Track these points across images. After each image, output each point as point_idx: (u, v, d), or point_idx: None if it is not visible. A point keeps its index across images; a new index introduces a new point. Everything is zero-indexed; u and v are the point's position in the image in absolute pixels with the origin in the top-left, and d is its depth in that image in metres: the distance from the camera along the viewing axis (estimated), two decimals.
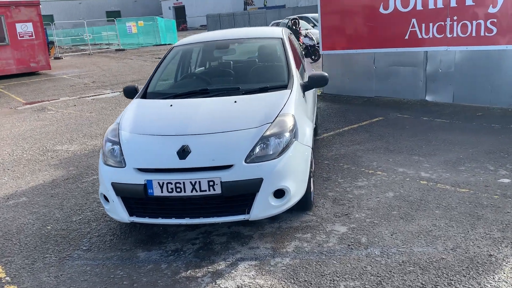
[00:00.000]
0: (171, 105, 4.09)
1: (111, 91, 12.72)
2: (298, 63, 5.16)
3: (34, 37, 18.86)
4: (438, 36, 7.96)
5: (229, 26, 46.51)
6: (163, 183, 3.35)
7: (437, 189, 4.36)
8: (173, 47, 5.16)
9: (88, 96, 12.11)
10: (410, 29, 8.30)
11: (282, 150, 3.49)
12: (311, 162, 3.99)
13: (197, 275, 3.20)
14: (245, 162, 3.36)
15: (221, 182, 3.30)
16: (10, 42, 18.34)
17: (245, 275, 3.15)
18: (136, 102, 4.36)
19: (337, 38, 9.50)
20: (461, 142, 5.78)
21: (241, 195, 3.37)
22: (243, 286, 3.03)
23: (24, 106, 11.57)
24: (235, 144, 3.45)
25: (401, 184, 4.55)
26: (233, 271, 3.21)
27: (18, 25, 18.53)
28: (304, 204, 3.94)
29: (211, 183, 3.31)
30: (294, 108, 3.90)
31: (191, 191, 3.33)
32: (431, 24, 8.04)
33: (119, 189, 3.49)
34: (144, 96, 4.45)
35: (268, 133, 3.54)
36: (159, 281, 3.17)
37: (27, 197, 5.04)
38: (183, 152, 3.40)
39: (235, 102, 3.99)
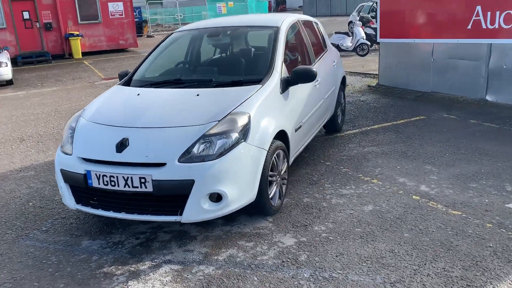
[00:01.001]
0: (138, 94, 4.02)
1: None
2: (303, 56, 4.81)
3: (123, 16, 19.96)
4: (505, 26, 6.96)
5: (325, 8, 45.30)
6: (99, 175, 3.31)
7: (425, 208, 3.81)
8: (172, 33, 5.07)
9: None
10: (473, 18, 7.36)
11: (224, 151, 3.24)
12: (278, 164, 3.77)
13: (116, 273, 3.14)
14: (178, 161, 3.19)
15: (152, 180, 3.18)
16: (102, 21, 19.61)
17: (159, 280, 3.02)
18: (113, 88, 4.36)
19: (395, 26, 8.74)
20: (494, 153, 5.01)
21: (172, 195, 3.21)
22: None
23: (101, 81, 12.35)
24: (171, 142, 3.29)
25: (389, 197, 4.06)
26: (150, 274, 3.10)
27: (110, 4, 19.73)
28: (261, 210, 3.67)
29: (143, 180, 3.20)
30: (257, 106, 3.61)
31: (124, 186, 3.25)
32: (497, 13, 7.04)
33: (65, 176, 3.53)
34: (128, 82, 4.43)
35: (211, 131, 3.32)
36: (79, 274, 3.16)
37: (35, 172, 5.34)
38: (121, 146, 3.33)
39: (197, 95, 3.80)
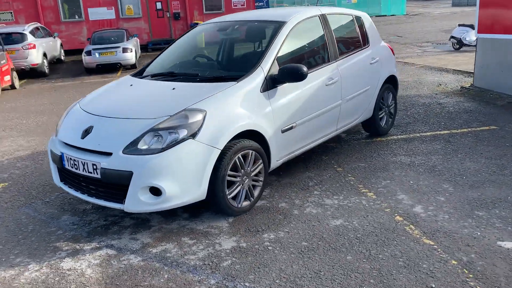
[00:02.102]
0: (131, 85, 4.24)
1: None
2: (318, 54, 4.56)
3: (245, 6, 20.67)
4: None
5: None
6: (68, 157, 3.62)
7: (397, 232, 3.38)
8: (192, 25, 5.20)
9: None
10: None
11: (167, 146, 3.29)
12: (244, 164, 3.69)
13: (63, 248, 3.43)
14: (122, 152, 3.33)
15: (100, 167, 3.37)
16: (225, 10, 20.59)
17: (88, 261, 3.22)
18: (122, 78, 4.64)
19: (498, 19, 7.60)
20: None
21: (116, 184, 3.38)
22: (70, 270, 3.12)
23: None
24: (122, 133, 3.44)
25: (368, 214, 3.68)
26: (86, 255, 3.31)
27: None
28: (218, 209, 3.65)
29: (94, 167, 3.42)
30: (219, 104, 3.56)
31: (82, 170, 3.51)
32: None
33: (52, 156, 3.93)
34: (139, 73, 4.69)
35: (160, 126, 3.38)
36: (36, 244, 3.52)
37: None
38: (86, 132, 3.58)
39: (173, 89, 3.88)
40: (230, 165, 3.56)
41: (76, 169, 3.55)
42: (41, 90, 11.61)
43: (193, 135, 3.35)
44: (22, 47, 14.62)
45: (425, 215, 3.60)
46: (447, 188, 4.08)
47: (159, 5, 19.92)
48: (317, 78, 4.39)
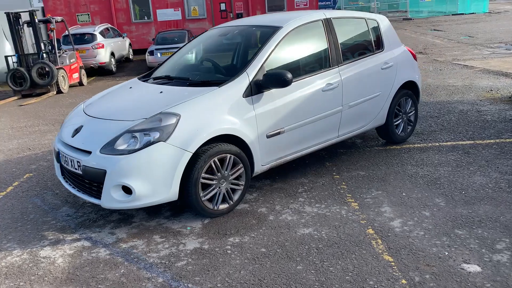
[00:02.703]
0: (130, 88, 4.49)
1: None
2: (317, 59, 4.55)
3: (308, 6, 20.58)
4: None
5: None
6: (62, 154, 3.95)
7: (361, 245, 3.30)
8: (208, 29, 5.35)
9: None
10: None
11: (140, 148, 3.48)
12: (221, 168, 3.78)
13: (48, 237, 3.75)
14: (99, 151, 3.56)
15: (81, 165, 3.65)
16: (287, 10, 20.61)
17: (63, 251, 3.49)
18: (129, 81, 4.91)
19: None
20: None
21: (94, 181, 3.62)
22: (45, 258, 3.40)
23: None
24: (103, 133, 3.67)
25: (342, 225, 3.62)
26: (65, 245, 3.59)
27: None
28: (194, 210, 3.79)
29: (78, 164, 3.70)
30: (195, 108, 3.69)
31: (71, 167, 3.81)
32: None
33: (54, 152, 4.28)
34: (147, 76, 4.94)
35: (135, 128, 3.57)
36: (29, 231, 3.87)
37: None
38: (76, 131, 3.88)
39: (160, 92, 4.07)
40: (205, 168, 3.66)
41: (67, 165, 3.85)
42: (105, 87, 12.43)
43: (165, 138, 3.49)
44: (91, 46, 15.73)
45: (399, 230, 3.45)
46: (438, 203, 3.87)
47: (223, 6, 20.39)
48: (311, 83, 4.35)
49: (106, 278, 3.07)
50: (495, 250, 3.09)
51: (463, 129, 5.97)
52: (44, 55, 12.76)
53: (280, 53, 4.27)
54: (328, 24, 4.67)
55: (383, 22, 5.35)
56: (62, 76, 12.74)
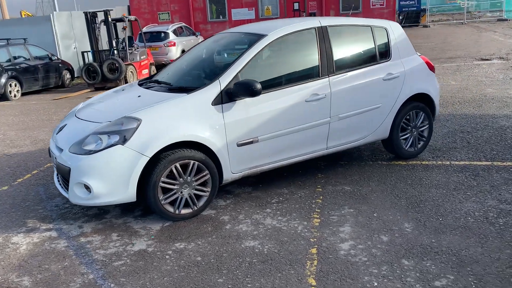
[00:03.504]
0: (123, 90, 4.75)
1: None
2: (304, 68, 4.46)
3: (384, 5, 19.84)
4: None
5: None
6: (49, 150, 4.32)
7: (294, 264, 3.22)
8: (216, 33, 5.46)
9: None
10: None
11: (102, 149, 3.70)
12: (183, 173, 3.88)
13: (27, 225, 4.11)
14: (68, 150, 3.85)
15: (56, 161, 3.98)
16: (362, 10, 20.09)
17: (31, 238, 3.82)
18: (128, 84, 5.17)
19: None
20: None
21: (64, 177, 3.92)
22: (13, 243, 3.75)
23: None
24: (75, 133, 3.95)
25: (289, 241, 3.55)
26: (36, 233, 3.92)
27: None
28: (156, 213, 3.94)
29: (55, 160, 4.03)
30: (158, 113, 3.82)
31: (53, 161, 4.16)
32: None
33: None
34: (148, 78, 5.18)
35: (100, 130, 3.80)
36: (15, 218, 4.27)
37: None
38: (59, 129, 4.22)
39: (139, 96, 4.26)
40: (165, 173, 3.78)
41: (52, 160, 4.19)
42: None
43: (124, 141, 3.66)
44: (163, 44, 16.60)
45: (343, 253, 3.31)
46: (405, 228, 3.63)
47: (296, 6, 20.34)
48: (293, 93, 4.27)
49: (48, 269, 3.32)
50: (430, 287, 2.84)
51: (488, 148, 5.46)
52: (115, 51, 13.71)
53: (261, 62, 4.25)
54: (322, 33, 4.54)
55: (395, 30, 5.07)
56: (131, 71, 13.59)
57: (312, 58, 4.50)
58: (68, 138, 3.96)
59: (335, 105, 4.49)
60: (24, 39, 13.74)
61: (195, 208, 3.99)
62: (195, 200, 3.98)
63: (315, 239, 3.52)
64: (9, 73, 12.52)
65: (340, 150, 4.77)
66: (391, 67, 4.88)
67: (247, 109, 4.07)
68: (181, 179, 3.87)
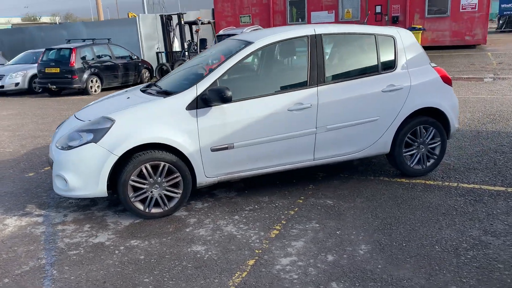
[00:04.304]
0: (126, 91, 5.05)
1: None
2: (291, 76, 4.43)
3: (476, 9, 18.47)
4: None
5: None
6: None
7: (225, 272, 3.23)
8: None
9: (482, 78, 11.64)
10: None
11: (78, 145, 4.02)
12: (154, 174, 4.04)
13: (25, 209, 4.56)
14: (56, 144, 4.23)
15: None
16: (450, 14, 18.86)
17: (13, 220, 4.27)
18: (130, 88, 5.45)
19: None
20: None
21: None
22: (4, 225, 4.21)
23: None
24: (65, 129, 4.31)
25: (235, 250, 3.55)
26: (21, 218, 4.35)
27: None
28: (128, 210, 4.17)
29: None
30: (132, 115, 4.02)
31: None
32: None
33: None
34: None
35: (80, 128, 4.11)
36: (21, 202, 4.77)
37: None
38: (58, 126, 4.64)
39: (128, 98, 4.52)
40: (135, 172, 3.98)
41: None
42: None
43: (97, 140, 3.93)
44: None
45: (278, 268, 3.24)
46: (359, 250, 3.45)
47: (378, 9, 19.67)
48: (274, 101, 4.25)
49: (15, 250, 3.68)
50: None
51: (497, 171, 4.91)
52: (186, 53, 14.39)
53: (245, 69, 4.28)
54: (315, 41, 4.43)
55: (404, 39, 4.77)
56: None
57: (301, 67, 4.41)
58: (59, 134, 4.32)
59: (323, 115, 4.36)
60: (108, 39, 14.94)
61: (166, 208, 4.13)
62: (166, 200, 4.12)
63: (260, 251, 3.47)
64: (92, 70, 13.69)
65: (331, 162, 4.62)
66: (394, 78, 4.61)
67: (223, 115, 4.12)
68: (151, 179, 4.03)
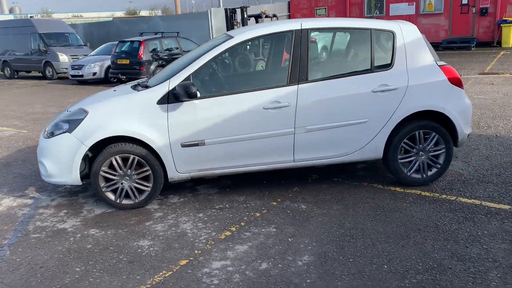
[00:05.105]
0: (124, 85, 5.22)
1: None
2: (272, 73, 4.22)
3: None
4: None
5: None
6: None
7: (143, 270, 3.25)
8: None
9: None
10: None
11: (56, 134, 4.25)
12: (123, 166, 4.12)
13: (24, 191, 4.93)
14: (43, 132, 4.51)
15: None
16: None
17: (14, 202, 4.62)
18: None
19: None
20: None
21: None
22: None
23: (474, 75, 11.64)
24: (54, 120, 4.57)
25: (178, 249, 3.51)
26: (19, 198, 4.69)
27: None
28: (99, 199, 4.34)
29: None
30: (104, 108, 4.13)
31: None
32: None
33: None
34: None
35: (61, 118, 4.33)
36: (27, 184, 5.18)
37: None
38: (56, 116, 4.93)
39: (114, 90, 4.67)
40: (106, 163, 4.11)
41: None
42: None
43: (71, 130, 4.11)
44: None
45: (205, 271, 3.15)
46: (299, 260, 3.24)
47: (464, 0, 18.15)
48: (249, 99, 4.12)
49: None
50: None
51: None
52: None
53: (223, 64, 4.19)
54: (299, 37, 4.21)
55: (406, 35, 4.34)
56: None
57: (280, 64, 4.22)
58: (49, 124, 4.58)
59: (302, 115, 4.13)
60: (177, 32, 15.50)
61: (136, 200, 4.21)
62: (136, 193, 4.19)
63: (199, 252, 3.40)
64: (159, 62, 14.31)
65: (314, 165, 4.37)
66: (388, 78, 4.23)
67: (195, 111, 4.07)
68: (121, 171, 4.12)
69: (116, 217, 4.07)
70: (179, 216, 4.03)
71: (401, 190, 4.38)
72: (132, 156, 4.07)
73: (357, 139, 4.26)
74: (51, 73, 17.68)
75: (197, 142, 4.09)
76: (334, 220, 3.81)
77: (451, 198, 4.13)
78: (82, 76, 15.54)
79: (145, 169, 4.12)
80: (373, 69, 4.24)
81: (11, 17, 42.89)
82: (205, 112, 4.06)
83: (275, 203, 4.21)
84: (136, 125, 4.02)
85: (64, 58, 17.51)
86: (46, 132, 4.31)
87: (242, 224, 3.81)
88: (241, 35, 4.21)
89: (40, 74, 18.20)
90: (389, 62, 4.27)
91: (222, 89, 4.16)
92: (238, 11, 14.69)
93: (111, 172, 4.11)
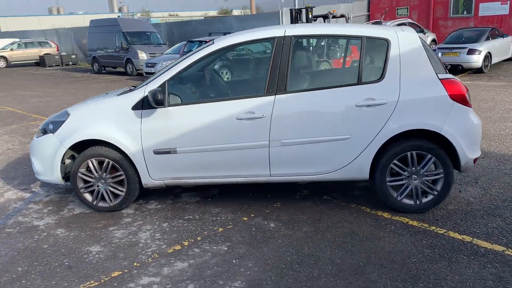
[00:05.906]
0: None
1: None
2: (251, 81, 4.02)
3: None
4: None
5: None
6: None
7: (88, 278, 3.27)
8: None
9: None
10: None
11: (43, 134, 4.44)
12: (99, 169, 4.19)
13: (21, 186, 5.27)
14: (38, 132, 4.75)
15: None
16: None
17: (14, 193, 4.94)
18: None
19: None
20: None
21: None
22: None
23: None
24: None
25: (123, 258, 3.52)
26: (20, 191, 4.99)
27: None
28: (78, 199, 4.47)
29: None
30: (82, 111, 4.22)
31: None
32: None
33: None
34: None
35: (50, 119, 4.52)
36: (28, 180, 5.52)
37: None
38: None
39: (106, 94, 4.77)
40: (83, 165, 4.21)
41: None
42: None
43: (54, 131, 4.27)
44: None
45: (131, 286, 3.09)
46: (225, 287, 3.06)
47: None
48: (221, 108, 3.97)
49: None
50: None
51: None
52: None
53: (199, 72, 4.10)
54: (281, 44, 3.96)
55: (403, 43, 3.89)
56: None
57: (261, 73, 4.00)
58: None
59: (277, 128, 3.89)
60: (227, 33, 15.58)
61: (111, 204, 4.25)
62: (111, 196, 4.24)
63: (137, 265, 3.33)
64: (224, 62, 14.51)
65: (293, 181, 4.09)
66: (376, 91, 3.82)
67: (167, 118, 4.01)
68: (96, 174, 4.19)
69: (88, 219, 4.13)
70: (145, 224, 3.98)
71: (388, 216, 3.93)
72: (107, 160, 4.10)
73: (338, 156, 3.90)
74: (131, 69, 18.72)
75: (169, 149, 4.01)
76: (295, 244, 3.52)
77: (439, 232, 3.62)
78: (154, 73, 16.23)
79: (119, 173, 4.14)
80: (360, 81, 3.84)
81: (114, 15, 46.20)
82: (177, 120, 3.97)
83: (246, 219, 4.00)
84: (111, 130, 4.04)
85: (143, 55, 18.42)
86: (38, 132, 4.51)
87: (198, 239, 3.66)
88: (221, 41, 4.05)
89: (124, 70, 19.36)
90: (380, 73, 3.84)
91: (198, 97, 4.03)
92: (304, 11, 14.34)
93: (88, 174, 4.17)
